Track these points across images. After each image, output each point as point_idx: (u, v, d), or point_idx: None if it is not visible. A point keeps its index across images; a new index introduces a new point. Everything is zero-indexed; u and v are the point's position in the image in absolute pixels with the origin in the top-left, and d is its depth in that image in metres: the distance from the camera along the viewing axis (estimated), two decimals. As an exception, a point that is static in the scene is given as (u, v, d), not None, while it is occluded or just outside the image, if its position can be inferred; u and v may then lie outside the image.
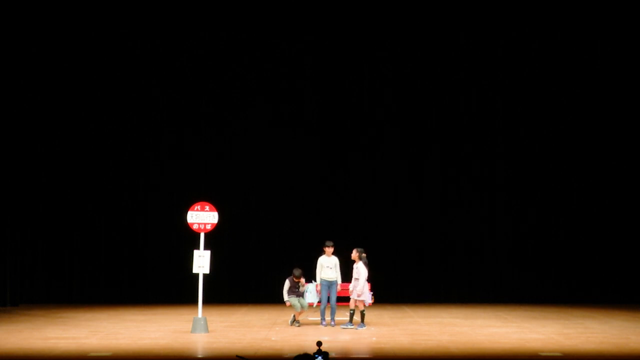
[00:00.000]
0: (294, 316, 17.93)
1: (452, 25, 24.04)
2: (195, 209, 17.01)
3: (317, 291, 17.91)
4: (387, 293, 22.23)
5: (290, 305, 17.87)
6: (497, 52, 24.12)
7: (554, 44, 23.93)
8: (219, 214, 17.09)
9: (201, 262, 16.79)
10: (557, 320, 18.95)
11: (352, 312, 17.49)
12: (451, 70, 24.16)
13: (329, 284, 17.68)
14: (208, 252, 16.83)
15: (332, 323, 17.73)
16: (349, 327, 17.25)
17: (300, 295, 17.93)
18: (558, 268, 23.94)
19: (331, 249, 17.80)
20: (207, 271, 16.88)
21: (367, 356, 14.23)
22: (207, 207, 17.04)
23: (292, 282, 17.94)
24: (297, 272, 17.94)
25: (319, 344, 10.51)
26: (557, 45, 23.94)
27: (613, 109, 23.90)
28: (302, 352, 10.31)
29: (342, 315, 19.04)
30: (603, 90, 23.92)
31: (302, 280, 18.00)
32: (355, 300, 17.40)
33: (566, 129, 24.06)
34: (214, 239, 18.87)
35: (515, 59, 24.05)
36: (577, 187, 24.10)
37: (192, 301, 19.96)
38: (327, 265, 17.71)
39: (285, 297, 17.93)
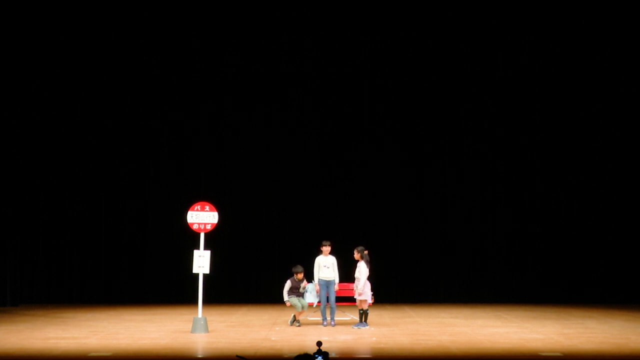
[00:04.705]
0: (294, 316, 17.93)
1: (452, 26, 24.04)
2: (195, 209, 17.01)
3: (317, 291, 17.92)
4: (387, 293, 22.26)
5: (291, 306, 17.86)
6: (497, 56, 24.11)
7: (555, 51, 23.93)
8: (219, 214, 17.10)
9: (201, 262, 16.79)
10: (557, 320, 18.95)
11: (361, 311, 17.49)
12: (451, 70, 24.14)
13: (327, 284, 17.67)
14: (208, 252, 16.83)
15: (332, 323, 17.72)
16: (362, 327, 17.23)
17: (301, 295, 17.92)
18: (558, 268, 23.94)
19: (328, 248, 17.79)
20: (207, 271, 16.88)
21: (367, 356, 14.23)
22: (207, 207, 17.04)
23: (293, 282, 17.93)
24: (298, 268, 17.90)
25: (319, 344, 10.51)
26: (557, 52, 23.93)
27: (611, 112, 23.91)
28: (302, 352, 10.32)
29: (343, 316, 19.05)
30: (602, 92, 23.92)
31: (304, 279, 17.97)
32: (360, 300, 17.43)
33: (566, 130, 24.06)
34: (214, 239, 18.86)
35: (515, 64, 24.03)
36: (577, 187, 24.08)
37: (192, 301, 19.99)
38: (324, 265, 17.70)
39: (286, 297, 17.91)
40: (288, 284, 17.95)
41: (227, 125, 24.16)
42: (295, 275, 17.96)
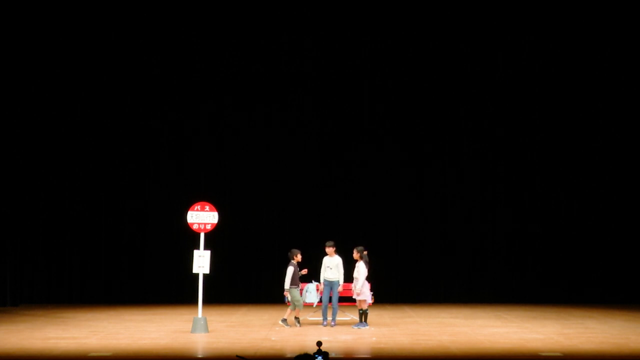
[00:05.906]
0: (289, 312, 17.75)
1: (452, 26, 24.04)
2: (195, 209, 17.01)
3: (319, 291, 17.89)
4: (387, 293, 22.27)
5: (290, 304, 17.73)
6: (497, 56, 24.10)
7: (555, 51, 23.93)
8: (219, 214, 17.10)
9: (201, 262, 16.79)
10: (557, 320, 18.95)
11: (361, 311, 17.49)
12: (451, 70, 24.14)
13: (331, 284, 17.66)
14: (208, 252, 16.83)
15: (333, 323, 17.71)
16: (362, 327, 17.24)
17: (303, 280, 17.71)
18: (558, 268, 23.94)
19: (332, 249, 17.77)
20: (207, 271, 16.88)
21: (368, 356, 14.23)
22: (207, 207, 17.04)
23: (295, 267, 17.71)
24: (294, 251, 17.63)
25: (319, 344, 10.50)
26: (557, 52, 23.94)
27: (611, 112, 23.93)
28: (302, 352, 10.31)
29: (343, 316, 19.05)
30: (602, 92, 23.94)
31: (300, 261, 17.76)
32: (359, 300, 17.42)
33: (566, 130, 24.06)
34: (214, 239, 18.86)
35: (515, 64, 24.04)
36: (577, 187, 24.09)
37: (192, 301, 19.99)
38: (328, 266, 17.69)
39: (287, 285, 17.47)
40: (291, 271, 17.53)
41: (227, 125, 24.15)
42: (294, 259, 17.72)
